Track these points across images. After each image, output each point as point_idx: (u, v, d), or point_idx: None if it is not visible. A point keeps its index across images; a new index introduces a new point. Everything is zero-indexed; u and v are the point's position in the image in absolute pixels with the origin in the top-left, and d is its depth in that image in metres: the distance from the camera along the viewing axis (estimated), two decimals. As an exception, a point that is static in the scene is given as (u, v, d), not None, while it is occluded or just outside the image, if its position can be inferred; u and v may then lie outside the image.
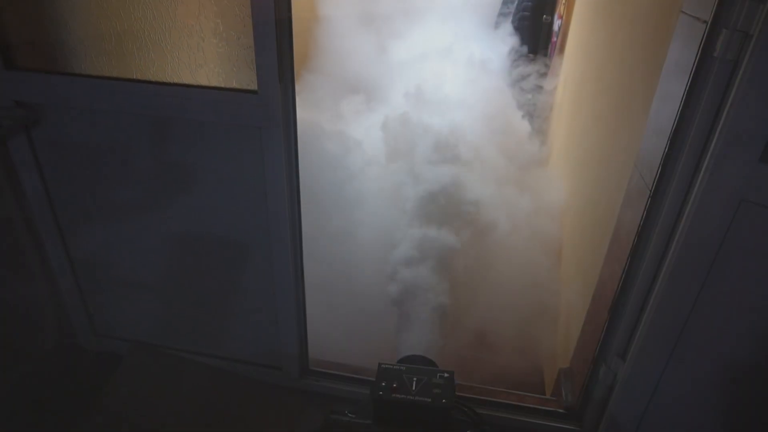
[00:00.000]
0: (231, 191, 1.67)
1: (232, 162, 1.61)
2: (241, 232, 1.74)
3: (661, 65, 1.51)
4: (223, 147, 1.58)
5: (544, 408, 1.93)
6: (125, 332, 2.12)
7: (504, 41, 3.77)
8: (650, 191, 1.44)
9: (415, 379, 1.24)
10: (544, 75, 3.74)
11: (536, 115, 3.73)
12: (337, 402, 2.00)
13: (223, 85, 1.50)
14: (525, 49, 3.74)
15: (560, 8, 3.59)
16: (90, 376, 2.10)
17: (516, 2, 3.80)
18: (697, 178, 1.30)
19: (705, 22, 1.23)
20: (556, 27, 3.61)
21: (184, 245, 1.84)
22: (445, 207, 2.39)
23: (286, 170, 1.60)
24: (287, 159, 1.59)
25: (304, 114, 1.64)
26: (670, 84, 1.42)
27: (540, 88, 3.76)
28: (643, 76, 1.78)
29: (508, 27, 3.79)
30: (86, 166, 1.72)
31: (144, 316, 2.07)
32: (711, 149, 1.25)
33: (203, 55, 1.46)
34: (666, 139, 1.37)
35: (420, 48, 3.65)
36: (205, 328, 2.04)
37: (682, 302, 1.42)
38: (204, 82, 1.50)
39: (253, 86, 1.47)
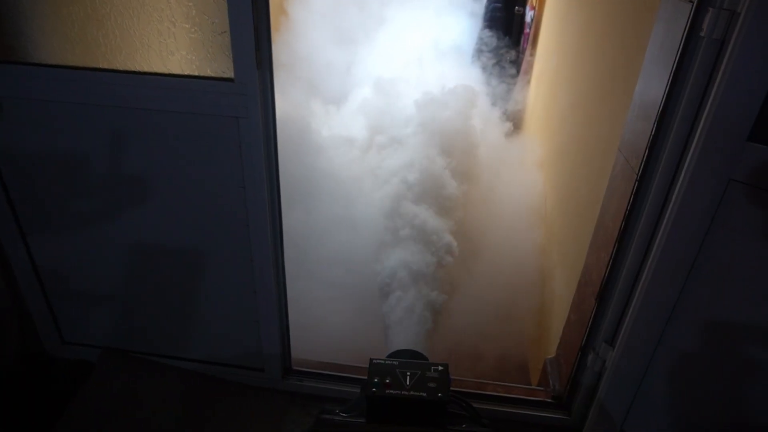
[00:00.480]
0: (207, 186, 1.59)
1: (207, 155, 1.53)
2: (218, 228, 1.67)
3: (643, 48, 1.51)
4: (198, 139, 1.51)
5: (532, 398, 1.92)
6: (96, 339, 2.02)
7: (475, 29, 3.76)
8: (637, 175, 1.43)
9: (408, 373, 1.20)
10: (516, 67, 3.74)
11: (510, 108, 3.74)
12: (322, 402, 1.94)
13: (197, 74, 1.42)
14: (498, 40, 3.73)
15: None
16: (60, 385, 1.99)
17: (488, -5, 3.79)
18: (685, 160, 1.30)
19: (691, 1, 1.22)
20: (528, 18, 3.62)
21: (158, 245, 1.75)
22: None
23: (265, 162, 1.53)
24: (266, 150, 1.52)
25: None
26: (654, 66, 1.41)
27: (513, 81, 3.76)
28: (624, 60, 1.77)
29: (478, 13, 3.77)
30: (49, 165, 1.62)
31: (116, 322, 1.97)
32: (699, 130, 1.25)
33: (175, 42, 1.39)
34: (652, 122, 1.36)
35: (388, 31, 3.60)
36: (182, 330, 1.95)
37: (671, 286, 1.42)
38: (176, 70, 1.42)
39: (229, 74, 1.41)
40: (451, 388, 1.21)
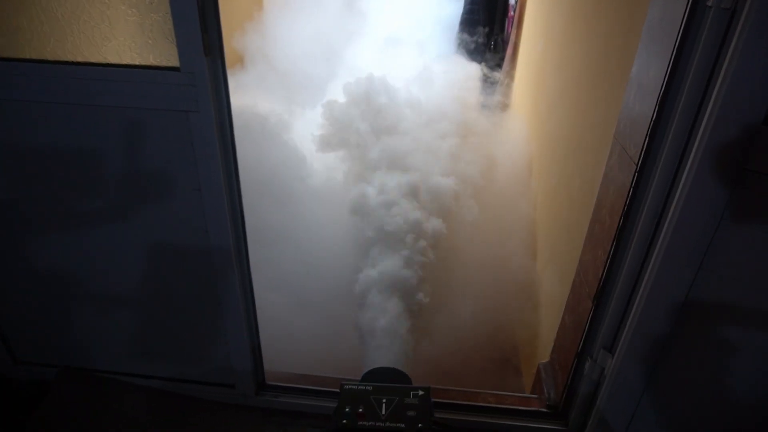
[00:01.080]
0: (158, 190, 1.42)
1: (156, 155, 1.36)
2: (175, 236, 1.50)
3: (639, 23, 1.36)
4: (144, 137, 1.34)
5: (526, 408, 1.78)
6: (52, 357, 1.85)
7: (458, 13, 3.59)
8: (636, 164, 1.29)
9: (384, 400, 1.05)
10: (501, 53, 3.59)
11: (494, 97, 3.58)
12: (299, 418, 1.79)
13: (137, 63, 1.25)
14: (482, 25, 3.57)
15: (517, -18, 3.43)
16: (13, 408, 1.83)
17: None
18: (691, 147, 1.15)
19: (696, -35, 1.07)
20: (512, 1, 3.46)
21: (112, 258, 1.58)
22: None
23: (222, 162, 1.37)
24: (223, 148, 1.36)
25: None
26: (654, 43, 1.26)
27: (497, 68, 3.60)
28: (619, 38, 1.62)
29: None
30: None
31: (73, 339, 1.80)
32: (707, 113, 1.10)
33: (110, 27, 1.21)
34: (653, 106, 1.21)
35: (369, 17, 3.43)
36: (145, 346, 1.79)
37: (677, 287, 1.28)
38: (114, 59, 1.25)
39: (174, 62, 1.24)
40: (438, 400, 1.07)
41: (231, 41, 3.31)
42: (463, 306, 2.43)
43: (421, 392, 1.07)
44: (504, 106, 3.54)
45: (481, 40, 3.60)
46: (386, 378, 1.30)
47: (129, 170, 1.39)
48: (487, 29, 3.58)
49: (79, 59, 1.25)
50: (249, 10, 3.65)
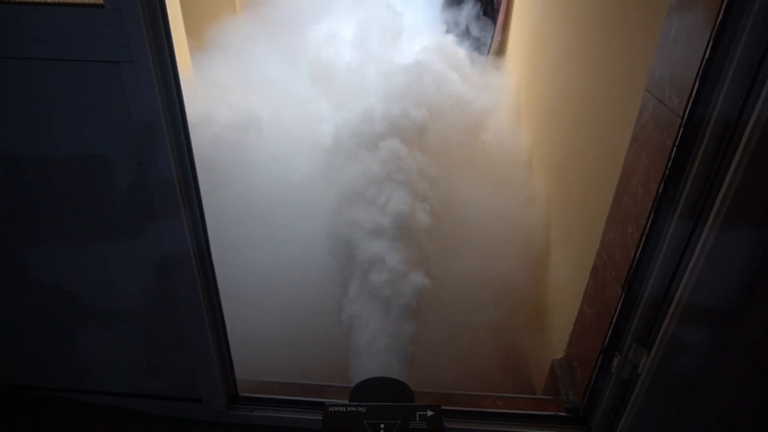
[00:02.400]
0: (85, 169, 1.14)
1: (79, 120, 1.08)
2: (114, 223, 1.22)
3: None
4: (62, 98, 1.06)
5: (541, 413, 1.55)
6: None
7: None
8: (682, 118, 1.04)
9: (382, 426, 0.79)
10: (492, 21, 3.34)
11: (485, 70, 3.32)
12: (280, 434, 1.54)
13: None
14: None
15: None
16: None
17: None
18: (762, 84, 0.90)
19: None
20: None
21: (50, 259, 1.31)
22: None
23: (168, 128, 1.09)
24: (169, 111, 1.08)
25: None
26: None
27: (488, 37, 3.35)
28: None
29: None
30: None
31: (9, 353, 1.52)
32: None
33: (7, -50, 0.93)
34: (706, 38, 0.97)
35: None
36: (95, 359, 1.53)
37: (736, 263, 1.04)
38: (16, -6, 0.97)
39: (97, -4, 0.96)
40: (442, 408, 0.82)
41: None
42: (460, 295, 2.17)
43: (430, 412, 0.81)
44: (494, 86, 3.28)
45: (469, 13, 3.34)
46: (382, 392, 1.03)
47: (43, 144, 1.11)
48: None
49: (-29, -4, 0.97)
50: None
